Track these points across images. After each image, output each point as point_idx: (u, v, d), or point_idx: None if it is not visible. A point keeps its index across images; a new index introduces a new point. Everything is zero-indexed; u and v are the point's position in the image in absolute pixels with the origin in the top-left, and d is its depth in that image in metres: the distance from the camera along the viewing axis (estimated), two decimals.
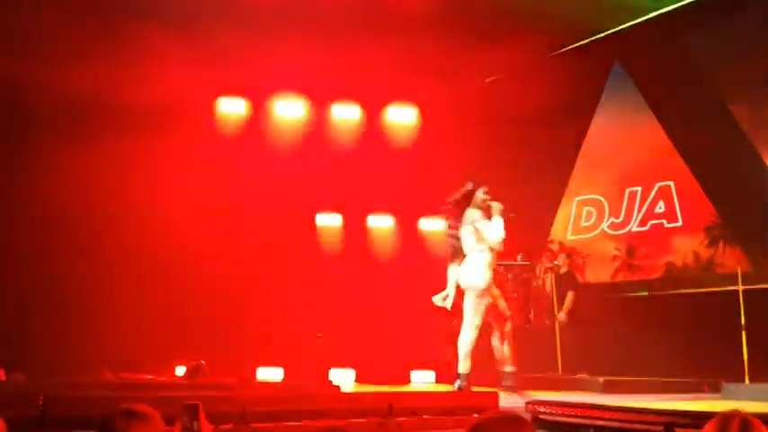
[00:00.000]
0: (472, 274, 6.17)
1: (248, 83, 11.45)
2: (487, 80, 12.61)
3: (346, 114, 12.02)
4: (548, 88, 11.81)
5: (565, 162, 12.09)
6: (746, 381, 7.10)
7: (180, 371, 8.53)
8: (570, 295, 8.91)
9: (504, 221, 6.26)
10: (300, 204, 11.72)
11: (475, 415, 5.67)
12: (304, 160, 11.54)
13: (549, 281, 9.17)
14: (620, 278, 11.22)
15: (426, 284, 11.22)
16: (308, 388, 6.65)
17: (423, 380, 9.85)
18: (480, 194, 6.17)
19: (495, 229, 6.10)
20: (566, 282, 9.64)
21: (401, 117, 12.27)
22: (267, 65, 10.76)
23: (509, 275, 10.52)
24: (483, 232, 6.08)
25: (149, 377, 7.92)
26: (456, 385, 6.42)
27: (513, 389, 6.30)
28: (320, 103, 11.94)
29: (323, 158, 11.65)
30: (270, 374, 9.81)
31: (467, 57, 11.06)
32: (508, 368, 6.32)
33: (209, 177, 10.94)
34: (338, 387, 6.92)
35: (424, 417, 5.43)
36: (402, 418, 5.29)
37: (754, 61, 9.82)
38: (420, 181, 11.61)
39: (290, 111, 11.82)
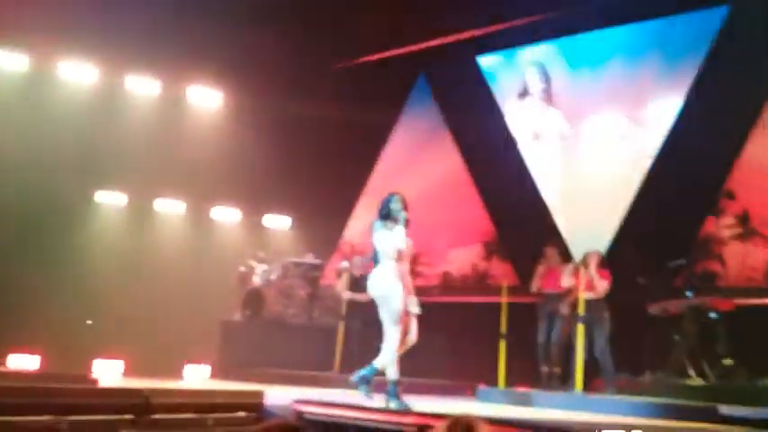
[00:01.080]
0: (377, 282, 5.87)
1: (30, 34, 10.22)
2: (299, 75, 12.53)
3: (143, 89, 11.23)
4: (353, 91, 12.01)
5: (365, 164, 12.32)
6: (500, 385, 7.65)
7: None
8: (363, 295, 9.02)
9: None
10: (78, 182, 10.72)
11: (240, 414, 5.51)
12: (88, 132, 10.58)
13: (343, 280, 9.24)
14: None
15: (211, 276, 10.90)
16: (60, 380, 6.04)
17: (196, 375, 9.45)
18: (391, 204, 5.90)
19: (395, 240, 5.83)
20: (359, 281, 9.77)
21: (203, 100, 11.74)
22: (53, 18, 9.68)
23: (298, 273, 10.48)
24: (380, 243, 5.83)
25: None
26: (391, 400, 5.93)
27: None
28: (114, 72, 11.04)
29: (109, 133, 10.76)
30: (22, 362, 8.84)
31: (278, 51, 10.94)
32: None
33: None
34: (96, 380, 6.37)
35: (184, 415, 5.14)
36: (159, 416, 4.96)
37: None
38: (217, 168, 11.18)
39: (77, 75, 10.78)
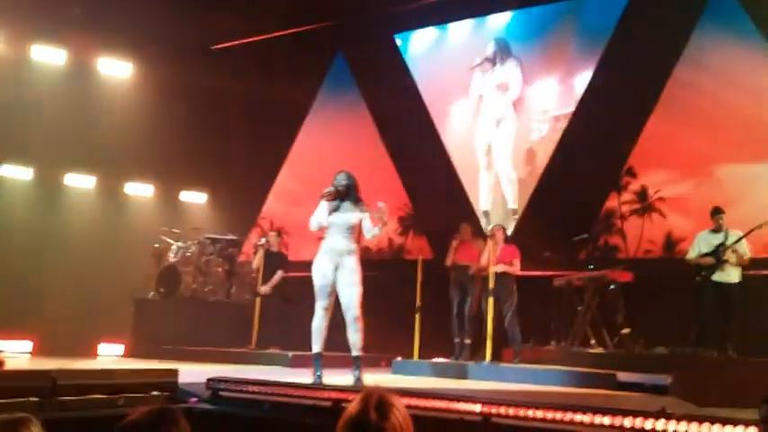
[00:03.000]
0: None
1: None
2: (213, 47, 12.29)
3: (50, 59, 10.73)
4: (272, 65, 11.88)
5: (285, 139, 12.25)
6: (415, 357, 7.88)
7: None
8: (279, 273, 9.05)
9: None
10: None
11: (153, 393, 5.47)
12: None
13: (258, 257, 9.20)
14: None
15: (125, 253, 10.63)
16: None
17: (109, 354, 9.27)
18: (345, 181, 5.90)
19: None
20: (275, 259, 9.76)
21: (113, 72, 11.32)
22: None
23: (215, 250, 10.37)
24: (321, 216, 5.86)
25: None
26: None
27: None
28: (18, 42, 10.49)
29: (14, 105, 10.25)
30: None
31: (190, 24, 10.66)
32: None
33: None
34: (2, 361, 6.16)
35: (94, 396, 5.06)
36: (66, 398, 4.86)
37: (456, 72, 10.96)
38: (130, 142, 10.86)
39: None
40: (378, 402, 1.86)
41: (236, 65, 11.89)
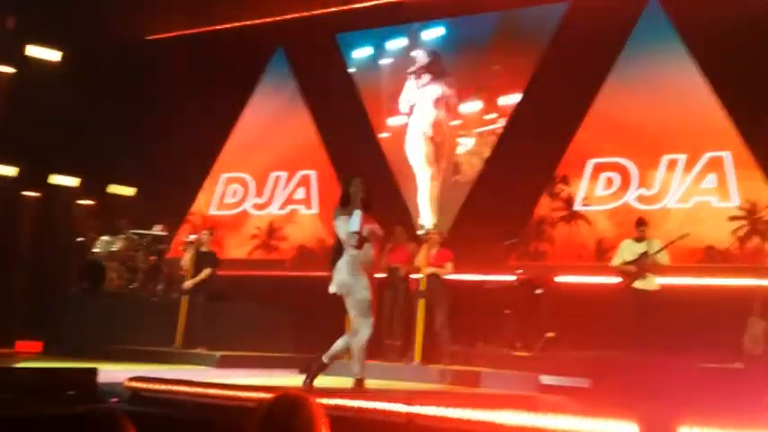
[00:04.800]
0: (335, 276, 5.38)
1: None
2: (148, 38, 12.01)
3: None
4: (208, 59, 11.67)
5: (217, 136, 12.05)
6: (345, 358, 7.84)
7: None
8: (206, 271, 8.87)
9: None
10: None
11: (70, 393, 5.27)
12: None
13: (189, 254, 8.98)
14: (256, 256, 11.60)
15: (48, 247, 10.24)
16: None
17: (27, 352, 8.88)
18: (350, 188, 5.38)
19: (351, 224, 5.29)
20: (205, 258, 9.57)
21: (40, 61, 10.86)
22: None
23: (142, 245, 10.09)
24: (338, 229, 5.33)
25: None
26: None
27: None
28: None
29: None
30: None
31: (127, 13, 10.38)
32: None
33: None
34: None
35: (8, 395, 4.85)
36: None
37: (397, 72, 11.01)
38: (55, 134, 10.44)
39: None
40: (286, 403, 1.84)
41: (171, 56, 11.62)
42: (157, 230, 10.42)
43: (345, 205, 5.44)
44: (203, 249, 8.99)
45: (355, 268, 5.35)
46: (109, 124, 10.73)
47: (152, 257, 10.11)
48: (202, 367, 7.69)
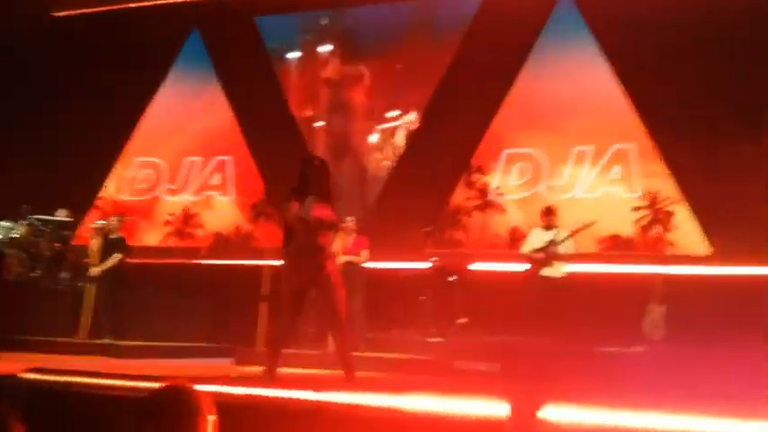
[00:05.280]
0: None
1: None
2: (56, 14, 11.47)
3: None
4: (119, 38, 11.25)
5: (129, 120, 11.64)
6: (259, 346, 7.79)
7: None
8: (115, 256, 8.54)
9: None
10: None
11: None
12: None
13: (96, 240, 8.61)
14: (170, 243, 11.30)
15: None
16: None
17: None
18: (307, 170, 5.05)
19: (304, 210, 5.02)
20: (114, 244, 9.22)
21: None
22: None
23: (45, 231, 9.63)
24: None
25: None
26: None
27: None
28: None
29: None
30: None
31: None
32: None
33: None
34: None
35: None
36: None
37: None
38: None
39: None
40: (169, 394, 1.80)
41: (81, 35, 11.13)
42: (62, 216, 9.96)
43: (299, 189, 5.10)
44: (112, 236, 8.67)
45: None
46: (10, 105, 10.19)
47: (56, 244, 9.67)
48: (107, 358, 7.42)
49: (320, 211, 5.10)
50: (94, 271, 8.40)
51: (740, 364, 5.30)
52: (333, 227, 5.35)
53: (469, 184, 9.64)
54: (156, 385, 4.30)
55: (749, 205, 7.63)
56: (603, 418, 3.48)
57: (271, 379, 5.11)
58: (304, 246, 5.12)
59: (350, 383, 5.08)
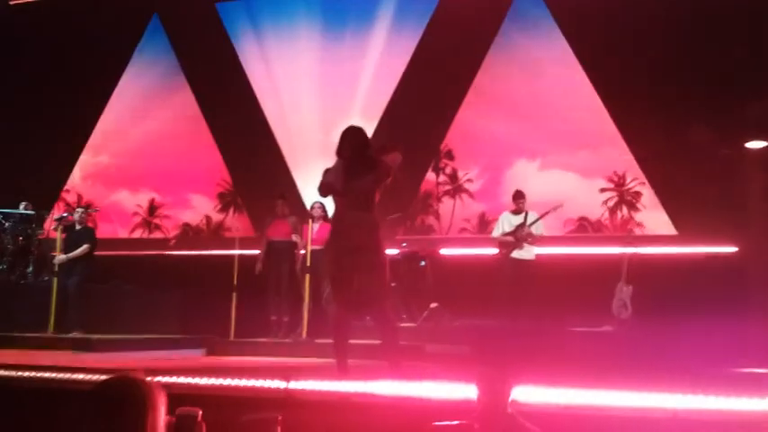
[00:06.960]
0: None
1: None
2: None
3: None
4: (78, 24, 11.02)
5: (92, 108, 11.42)
6: (232, 336, 7.73)
7: None
8: (84, 246, 8.38)
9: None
10: None
11: None
12: None
13: (59, 232, 8.42)
14: (137, 235, 11.16)
15: None
16: None
17: None
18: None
19: None
20: (80, 235, 9.05)
21: None
22: None
23: (9, 225, 9.41)
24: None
25: None
26: None
27: None
28: None
29: None
30: None
31: None
32: None
33: None
34: None
35: None
36: None
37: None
38: None
39: None
40: (117, 385, 1.78)
41: (38, 23, 10.86)
42: (22, 208, 9.73)
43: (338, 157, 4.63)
44: (78, 227, 8.50)
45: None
46: None
47: (20, 238, 9.46)
48: (76, 352, 7.30)
49: (354, 180, 4.52)
50: (61, 258, 8.23)
51: (705, 341, 5.40)
52: (370, 193, 4.59)
53: (439, 170, 9.65)
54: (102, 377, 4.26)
55: (710, 186, 7.76)
56: (573, 397, 3.52)
57: (343, 372, 4.82)
58: (339, 221, 4.63)
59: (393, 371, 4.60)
